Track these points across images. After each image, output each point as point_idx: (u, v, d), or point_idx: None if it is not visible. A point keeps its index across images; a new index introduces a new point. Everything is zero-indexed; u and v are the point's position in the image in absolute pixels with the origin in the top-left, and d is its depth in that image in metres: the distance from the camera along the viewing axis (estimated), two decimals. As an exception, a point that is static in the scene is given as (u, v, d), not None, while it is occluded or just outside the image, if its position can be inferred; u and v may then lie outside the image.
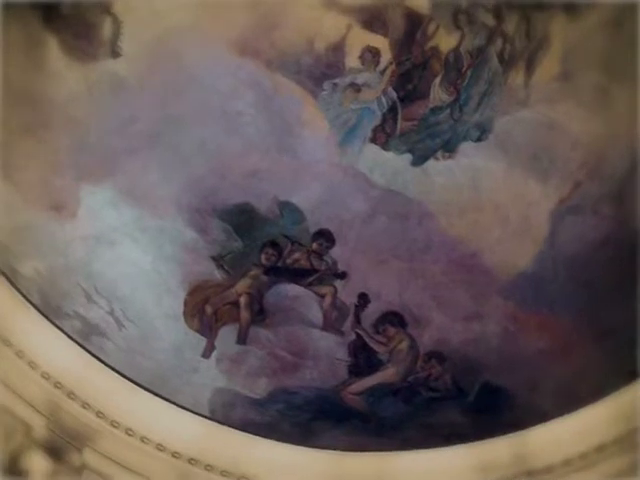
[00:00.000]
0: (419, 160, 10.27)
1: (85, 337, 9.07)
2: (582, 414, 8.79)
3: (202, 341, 9.83)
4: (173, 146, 9.76)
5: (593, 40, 9.02)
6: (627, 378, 8.60)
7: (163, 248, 9.77)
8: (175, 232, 9.84)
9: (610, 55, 9.01)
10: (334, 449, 9.39)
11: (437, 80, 9.99)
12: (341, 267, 10.36)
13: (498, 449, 9.05)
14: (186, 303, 9.84)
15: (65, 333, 8.87)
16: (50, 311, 8.84)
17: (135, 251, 9.63)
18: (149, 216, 9.69)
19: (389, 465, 9.30)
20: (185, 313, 9.82)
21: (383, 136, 10.26)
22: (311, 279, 10.30)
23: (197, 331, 9.84)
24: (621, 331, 8.97)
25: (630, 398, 8.54)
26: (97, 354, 9.04)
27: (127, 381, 9.09)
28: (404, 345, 10.06)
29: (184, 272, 9.87)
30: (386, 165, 10.32)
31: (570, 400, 8.94)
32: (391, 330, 10.14)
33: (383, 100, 10.19)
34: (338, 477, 9.25)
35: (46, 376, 8.55)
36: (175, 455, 8.99)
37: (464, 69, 9.85)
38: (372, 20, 9.78)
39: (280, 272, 10.28)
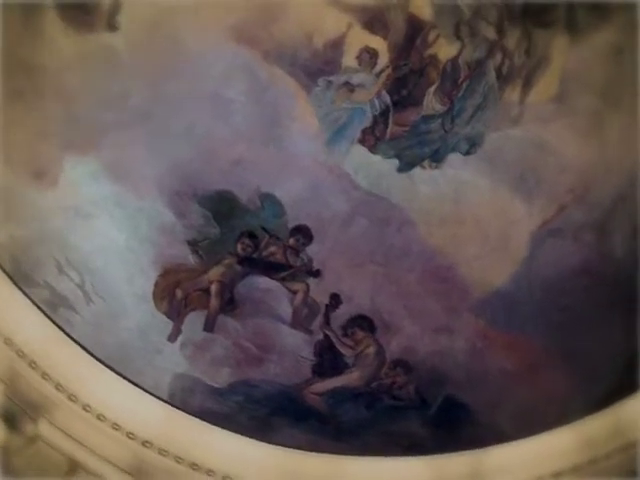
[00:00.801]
0: (405, 167, 10.22)
1: (53, 308, 8.97)
2: (542, 439, 8.76)
3: (169, 324, 9.76)
4: (162, 126, 9.67)
5: (593, 64, 9.01)
6: (591, 407, 8.58)
7: (139, 227, 9.67)
8: (153, 212, 9.75)
9: (609, 81, 9.00)
10: (290, 447, 9.34)
11: (432, 89, 9.94)
12: (316, 265, 10.30)
13: (456, 464, 9.03)
14: (157, 285, 9.77)
15: (33, 302, 8.76)
16: (20, 278, 8.73)
17: (111, 227, 9.53)
18: (129, 194, 9.60)
19: (344, 468, 9.26)
20: (155, 294, 9.75)
21: (372, 139, 10.20)
22: (284, 274, 10.25)
23: (165, 314, 9.76)
24: (589, 359, 8.98)
25: (592, 427, 8.51)
26: (63, 326, 8.94)
27: (90, 356, 9.00)
28: (371, 350, 10.02)
29: (158, 253, 9.79)
30: (372, 168, 10.27)
31: (531, 423, 8.94)
32: (360, 334, 10.10)
33: (376, 102, 10.14)
34: (291, 475, 9.20)
35: (8, 342, 8.42)
36: (130, 436, 8.90)
37: (460, 80, 9.82)
38: (373, 21, 9.72)
39: (254, 263, 10.23)
